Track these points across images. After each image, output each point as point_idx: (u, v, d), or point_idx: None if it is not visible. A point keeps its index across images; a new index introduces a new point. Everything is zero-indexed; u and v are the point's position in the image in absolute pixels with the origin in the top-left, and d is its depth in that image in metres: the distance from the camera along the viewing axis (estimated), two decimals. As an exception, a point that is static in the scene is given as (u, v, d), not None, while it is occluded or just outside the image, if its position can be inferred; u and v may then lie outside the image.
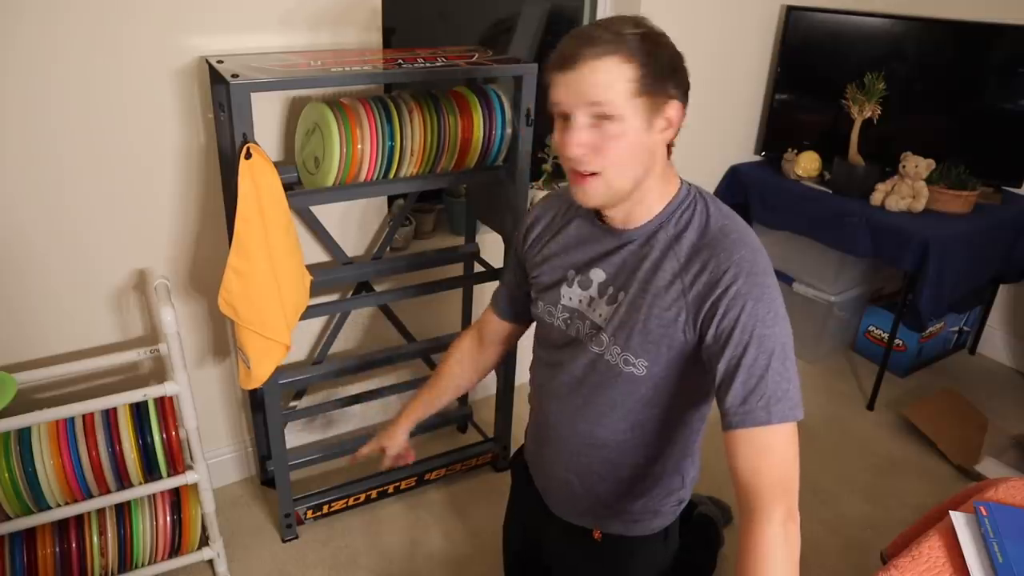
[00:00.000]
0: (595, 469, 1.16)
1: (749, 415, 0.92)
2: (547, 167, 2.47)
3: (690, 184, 1.08)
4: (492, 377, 2.15)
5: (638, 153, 0.98)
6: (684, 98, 1.00)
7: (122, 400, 1.54)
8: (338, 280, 1.99)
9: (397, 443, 1.42)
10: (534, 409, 1.27)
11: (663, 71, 0.96)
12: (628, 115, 0.94)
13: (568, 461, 1.18)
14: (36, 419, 1.46)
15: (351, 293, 2.06)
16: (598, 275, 1.08)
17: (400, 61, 1.67)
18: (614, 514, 1.18)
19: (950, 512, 1.34)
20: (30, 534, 1.56)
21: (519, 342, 1.40)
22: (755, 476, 0.91)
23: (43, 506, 1.52)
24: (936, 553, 1.26)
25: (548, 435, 1.21)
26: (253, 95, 1.46)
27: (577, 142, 0.96)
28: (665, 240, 1.03)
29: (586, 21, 2.52)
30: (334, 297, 2.07)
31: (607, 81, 0.93)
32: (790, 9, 2.64)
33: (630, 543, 1.20)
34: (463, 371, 1.38)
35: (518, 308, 1.30)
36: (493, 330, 1.35)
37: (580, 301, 1.10)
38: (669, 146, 1.03)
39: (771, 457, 0.92)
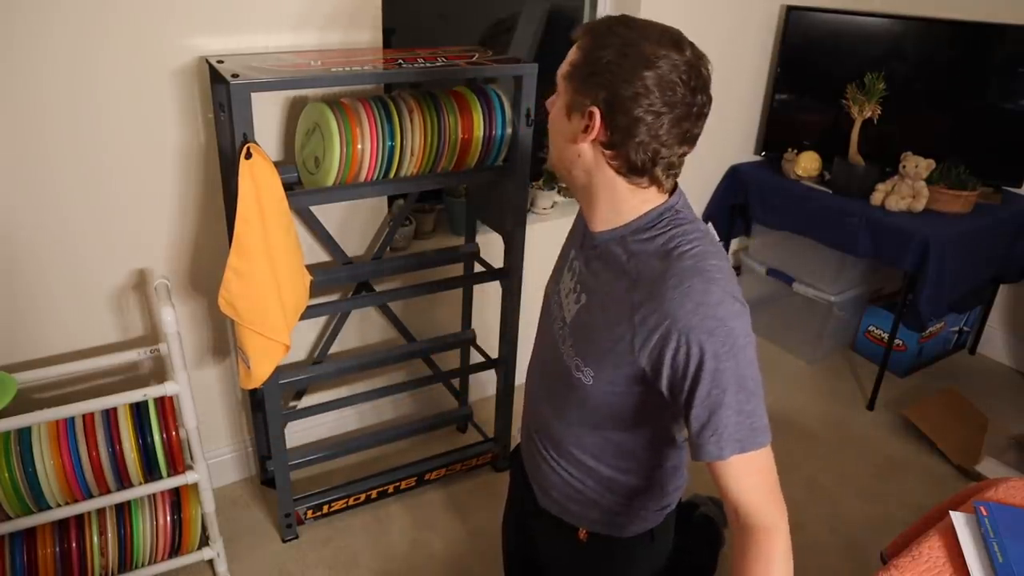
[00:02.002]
0: (570, 471, 1.15)
1: (701, 449, 0.93)
2: (547, 167, 2.47)
3: (675, 205, 1.01)
4: (492, 377, 2.15)
5: (558, 137, 1.00)
6: (611, 115, 0.93)
7: (122, 400, 1.54)
8: (338, 280, 1.99)
9: None
10: (524, 402, 1.28)
11: (595, 71, 0.93)
12: (560, 91, 0.99)
13: (548, 457, 1.18)
14: (36, 419, 1.46)
15: (351, 293, 2.06)
16: (577, 267, 1.09)
17: (400, 61, 1.67)
18: (596, 515, 1.18)
19: (950, 512, 1.34)
20: (30, 534, 1.56)
21: (519, 342, 1.40)
22: (735, 495, 0.94)
23: (43, 506, 1.52)
24: (936, 553, 1.26)
25: (529, 431, 1.22)
26: (253, 95, 1.46)
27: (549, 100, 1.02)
28: (624, 253, 1.00)
29: (586, 21, 2.52)
30: (334, 297, 2.07)
31: (567, 57, 0.98)
32: (790, 9, 2.64)
33: (613, 544, 1.19)
34: None
35: None
36: None
37: (565, 291, 1.11)
38: (651, 175, 0.96)
39: (734, 484, 0.93)
